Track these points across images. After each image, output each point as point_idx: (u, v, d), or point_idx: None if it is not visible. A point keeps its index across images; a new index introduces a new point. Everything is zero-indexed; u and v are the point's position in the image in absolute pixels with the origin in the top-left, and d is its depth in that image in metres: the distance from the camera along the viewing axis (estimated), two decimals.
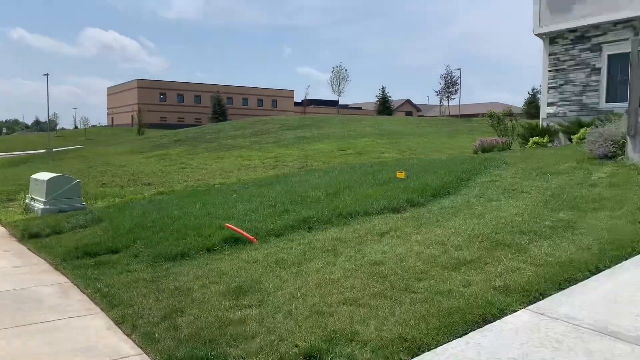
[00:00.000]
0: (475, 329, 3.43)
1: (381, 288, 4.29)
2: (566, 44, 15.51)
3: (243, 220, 7.37)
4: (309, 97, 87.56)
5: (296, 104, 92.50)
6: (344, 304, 4.06)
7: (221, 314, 4.11)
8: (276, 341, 3.56)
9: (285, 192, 9.26)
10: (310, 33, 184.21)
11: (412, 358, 3.19)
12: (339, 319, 3.77)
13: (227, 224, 6.90)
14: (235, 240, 6.42)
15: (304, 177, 11.18)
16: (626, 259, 4.39)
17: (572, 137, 13.03)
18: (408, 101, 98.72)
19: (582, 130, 12.19)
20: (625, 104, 8.81)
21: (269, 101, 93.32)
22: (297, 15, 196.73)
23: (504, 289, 3.96)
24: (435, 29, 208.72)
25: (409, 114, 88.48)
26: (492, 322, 3.51)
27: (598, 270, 4.20)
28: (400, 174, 9.22)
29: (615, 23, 14.08)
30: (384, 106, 79.03)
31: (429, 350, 3.24)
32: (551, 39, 15.88)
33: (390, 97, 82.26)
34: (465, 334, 3.39)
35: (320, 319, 3.82)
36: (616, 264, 4.31)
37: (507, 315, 3.59)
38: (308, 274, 4.88)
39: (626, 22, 13.80)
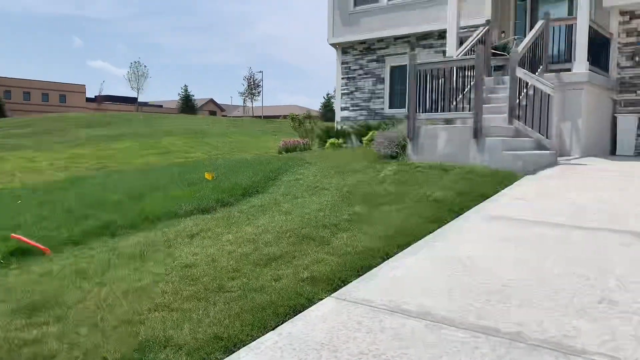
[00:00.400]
0: (287, 320, 3.64)
1: (194, 290, 4.26)
2: (356, 55, 17.09)
3: (33, 229, 6.63)
4: (103, 93, 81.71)
5: (89, 99, 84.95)
6: (155, 310, 3.94)
7: (12, 335, 3.66)
8: (81, 357, 3.31)
9: (82, 196, 8.56)
10: (103, 25, 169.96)
11: (228, 356, 3.25)
12: (151, 326, 3.65)
13: (13, 234, 6.14)
14: (25, 252, 5.77)
15: (103, 179, 10.44)
16: (410, 245, 5.06)
17: (363, 139, 14.42)
18: (212, 100, 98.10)
19: (370, 133, 13.58)
20: (405, 110, 10.09)
21: (56, 96, 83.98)
22: (87, 5, 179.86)
23: (311, 280, 4.26)
24: (237, 30, 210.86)
25: (212, 113, 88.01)
26: (301, 311, 3.75)
27: (388, 257, 4.76)
28: (209, 175, 9.19)
29: (396, 38, 15.97)
30: (187, 105, 77.69)
31: (244, 346, 3.34)
32: (343, 49, 17.35)
33: (193, 96, 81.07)
34: (278, 325, 3.57)
35: (131, 328, 3.66)
36: (402, 250, 4.94)
37: (314, 303, 3.87)
38: (114, 283, 4.61)
39: (404, 38, 15.76)
